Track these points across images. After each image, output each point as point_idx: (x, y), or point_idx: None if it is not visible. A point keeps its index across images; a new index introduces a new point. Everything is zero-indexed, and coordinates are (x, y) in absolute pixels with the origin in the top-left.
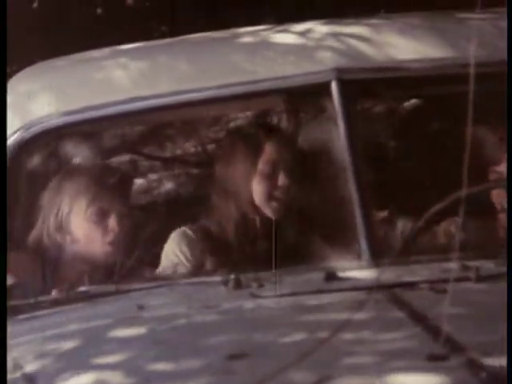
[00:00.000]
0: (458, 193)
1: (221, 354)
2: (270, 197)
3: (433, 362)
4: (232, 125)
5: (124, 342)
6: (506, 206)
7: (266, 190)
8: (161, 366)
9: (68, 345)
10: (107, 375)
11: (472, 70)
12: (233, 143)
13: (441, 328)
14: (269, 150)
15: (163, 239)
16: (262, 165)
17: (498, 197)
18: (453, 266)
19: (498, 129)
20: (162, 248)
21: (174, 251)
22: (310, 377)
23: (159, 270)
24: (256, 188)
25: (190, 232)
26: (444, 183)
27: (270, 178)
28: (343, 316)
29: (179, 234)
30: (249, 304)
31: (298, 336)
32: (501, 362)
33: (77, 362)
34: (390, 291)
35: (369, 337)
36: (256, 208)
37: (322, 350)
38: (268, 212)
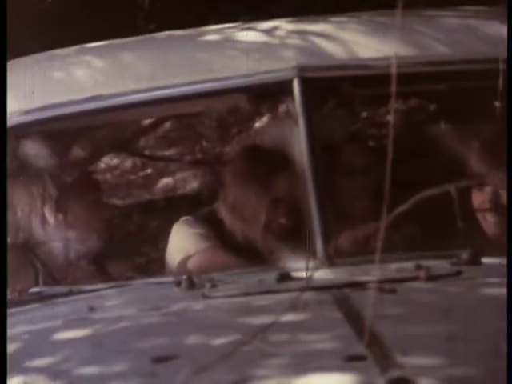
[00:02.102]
0: (421, 193)
1: (150, 356)
2: (265, 226)
3: (349, 362)
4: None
5: (65, 345)
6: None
7: (265, 220)
8: (89, 370)
9: (9, 348)
10: (32, 379)
11: (394, 70)
12: (248, 173)
13: (370, 328)
14: (279, 185)
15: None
16: (269, 197)
17: (477, 199)
18: (407, 265)
19: (475, 131)
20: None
21: (178, 238)
22: (227, 379)
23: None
24: None
25: (190, 217)
26: (406, 185)
27: (272, 211)
28: (285, 317)
29: (179, 222)
30: (197, 305)
31: (231, 337)
32: (417, 361)
33: (10, 365)
34: (338, 291)
35: (297, 337)
36: None
37: (245, 351)
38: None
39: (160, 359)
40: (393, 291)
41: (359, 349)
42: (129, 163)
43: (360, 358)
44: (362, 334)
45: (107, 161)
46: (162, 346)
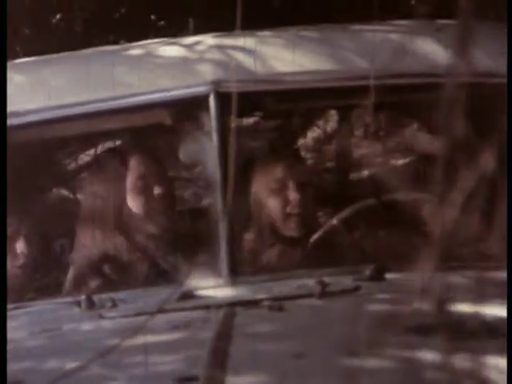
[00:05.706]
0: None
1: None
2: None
3: None
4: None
5: None
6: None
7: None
8: None
9: None
10: None
11: (234, 89)
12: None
13: (223, 348)
14: (134, 164)
15: None
16: (133, 180)
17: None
18: (310, 282)
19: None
20: None
21: None
22: None
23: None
24: (131, 203)
25: None
26: (324, 198)
27: (142, 192)
28: (150, 338)
29: None
30: (88, 326)
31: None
32: (244, 381)
33: None
34: (230, 309)
35: (144, 360)
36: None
37: (83, 376)
38: None
39: None
40: (280, 309)
41: (197, 370)
42: None
43: (191, 380)
44: (214, 354)
45: None
46: (21, 372)
